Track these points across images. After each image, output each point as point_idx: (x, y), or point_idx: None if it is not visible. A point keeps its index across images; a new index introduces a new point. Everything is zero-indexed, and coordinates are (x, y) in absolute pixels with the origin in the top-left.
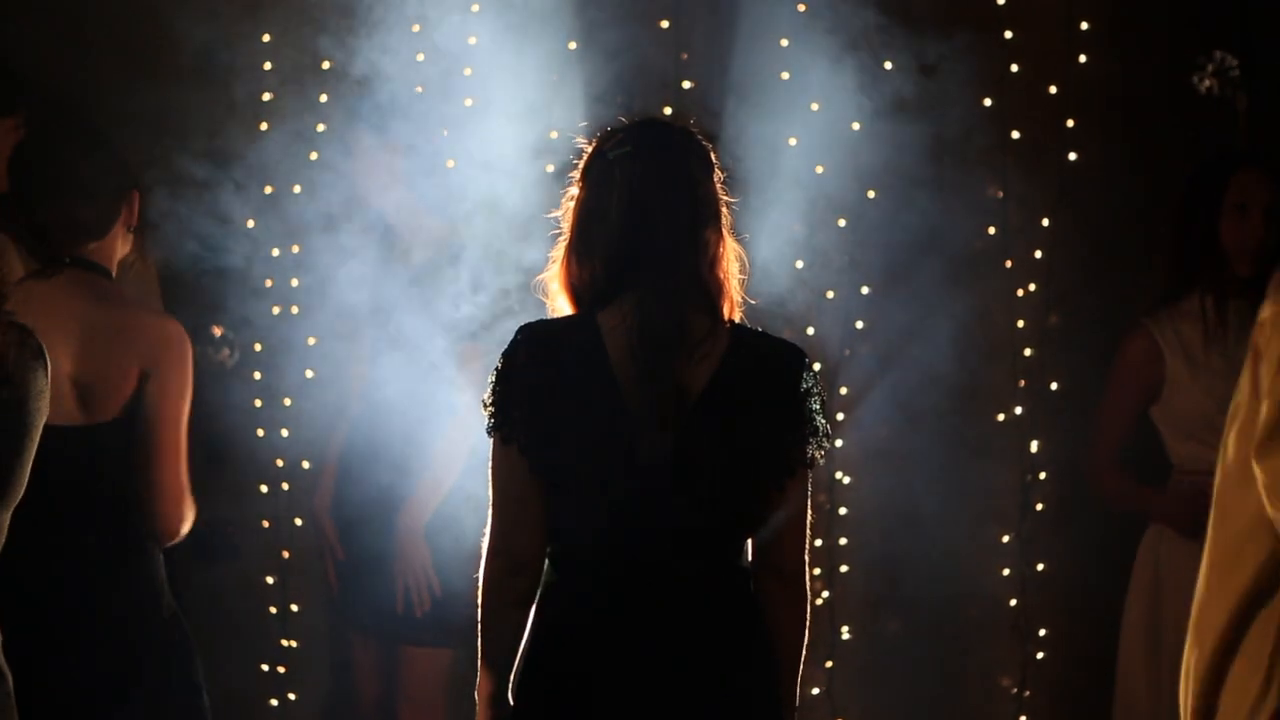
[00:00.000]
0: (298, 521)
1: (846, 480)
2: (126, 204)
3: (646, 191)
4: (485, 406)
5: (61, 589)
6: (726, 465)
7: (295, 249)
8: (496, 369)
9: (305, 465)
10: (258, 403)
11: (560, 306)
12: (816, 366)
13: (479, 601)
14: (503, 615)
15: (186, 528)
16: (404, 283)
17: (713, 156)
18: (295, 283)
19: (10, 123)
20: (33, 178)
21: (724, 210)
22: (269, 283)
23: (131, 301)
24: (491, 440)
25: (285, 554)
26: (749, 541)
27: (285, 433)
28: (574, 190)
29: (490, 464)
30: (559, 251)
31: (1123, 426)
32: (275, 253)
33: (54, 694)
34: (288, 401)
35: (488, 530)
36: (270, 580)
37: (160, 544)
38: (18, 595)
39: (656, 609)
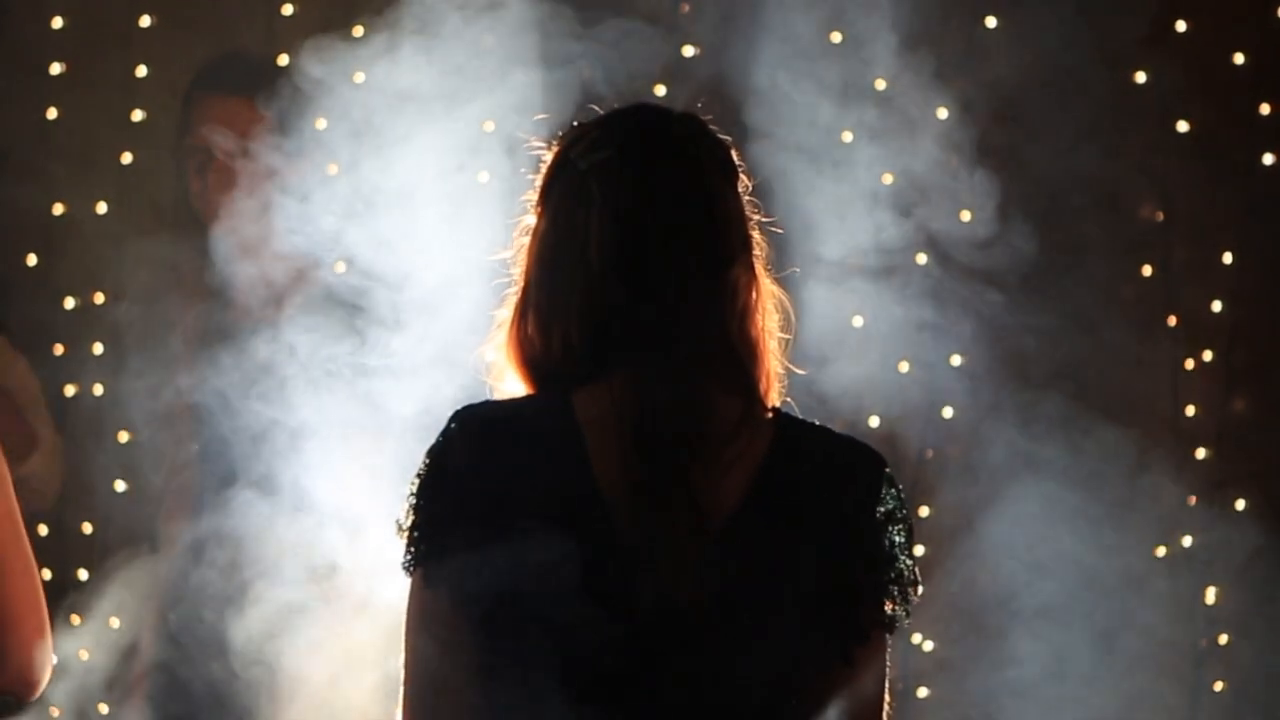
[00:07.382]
0: None
1: (929, 646)
2: None
3: (639, 213)
4: (400, 531)
5: None
6: (767, 624)
7: (99, 298)
8: (419, 475)
9: (114, 623)
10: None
11: (511, 389)
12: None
13: None
14: None
15: (49, 674)
16: (265, 345)
17: (735, 157)
18: (99, 349)
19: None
20: None
21: (756, 237)
22: (59, 349)
23: None
24: (410, 580)
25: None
26: None
27: (84, 574)
28: (530, 218)
29: (407, 617)
30: (509, 309)
31: None
32: (70, 304)
33: None
34: (88, 528)
35: (399, 717)
36: None
37: (20, 700)
38: None
39: None
